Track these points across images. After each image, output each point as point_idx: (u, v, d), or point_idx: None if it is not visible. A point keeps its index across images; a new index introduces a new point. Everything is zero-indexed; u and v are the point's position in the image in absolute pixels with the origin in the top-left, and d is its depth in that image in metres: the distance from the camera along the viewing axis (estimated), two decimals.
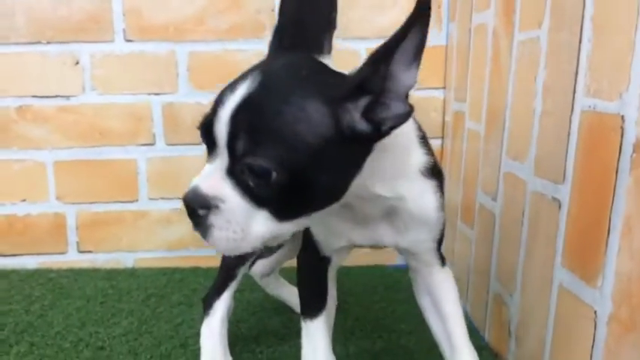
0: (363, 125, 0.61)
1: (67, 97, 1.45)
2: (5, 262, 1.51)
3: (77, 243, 1.52)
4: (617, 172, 0.67)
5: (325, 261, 0.85)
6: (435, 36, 1.46)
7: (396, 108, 0.61)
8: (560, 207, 0.82)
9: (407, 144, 0.72)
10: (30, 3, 1.40)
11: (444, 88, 1.48)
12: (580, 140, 0.77)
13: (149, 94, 1.46)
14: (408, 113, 0.61)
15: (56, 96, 1.45)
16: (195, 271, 1.48)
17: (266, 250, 1.19)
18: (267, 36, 1.41)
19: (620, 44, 0.68)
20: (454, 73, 1.40)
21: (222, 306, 1.00)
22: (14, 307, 1.24)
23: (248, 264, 1.00)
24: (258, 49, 1.44)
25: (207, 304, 1.01)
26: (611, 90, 0.69)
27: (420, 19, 0.56)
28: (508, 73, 1.03)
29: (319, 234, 0.82)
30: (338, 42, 1.39)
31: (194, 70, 1.46)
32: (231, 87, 0.63)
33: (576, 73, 0.78)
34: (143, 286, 1.38)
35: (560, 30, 0.83)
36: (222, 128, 0.61)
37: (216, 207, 0.61)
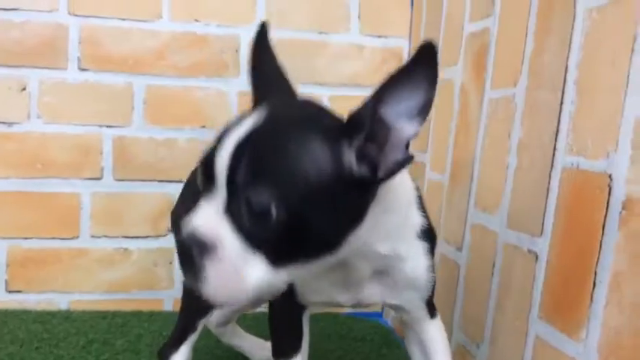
0: (361, 168, 0.60)
1: (10, 123, 1.35)
2: None
3: (6, 281, 1.40)
4: (603, 228, 0.70)
5: (301, 308, 0.83)
6: None
7: (393, 154, 0.60)
8: (537, 259, 0.84)
9: (408, 204, 0.73)
10: None
11: None
12: (561, 196, 0.80)
13: (100, 125, 1.39)
14: (406, 160, 0.60)
15: None
16: (137, 315, 1.39)
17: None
18: (230, 75, 1.42)
19: (606, 106, 0.72)
20: None
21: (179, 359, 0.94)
22: None
23: (209, 316, 0.94)
24: (218, 87, 1.42)
25: (164, 357, 0.94)
26: (596, 149, 0.73)
27: (424, 66, 0.56)
28: (477, 128, 1.06)
29: (301, 286, 0.79)
30: (303, 87, 1.41)
31: (150, 104, 1.41)
32: (236, 122, 0.62)
33: (557, 131, 0.82)
34: (82, 330, 1.27)
35: (539, 90, 0.87)
36: (223, 161, 0.59)
37: (213, 249, 0.58)
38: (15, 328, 1.26)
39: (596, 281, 0.71)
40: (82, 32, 1.35)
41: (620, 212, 0.68)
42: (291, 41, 1.43)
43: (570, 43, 0.80)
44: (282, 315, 0.84)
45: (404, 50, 1.48)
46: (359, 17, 1.45)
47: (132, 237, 1.44)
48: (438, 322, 0.83)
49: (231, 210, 0.59)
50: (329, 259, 0.63)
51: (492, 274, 0.97)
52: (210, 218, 0.60)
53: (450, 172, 1.18)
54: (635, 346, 0.64)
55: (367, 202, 0.63)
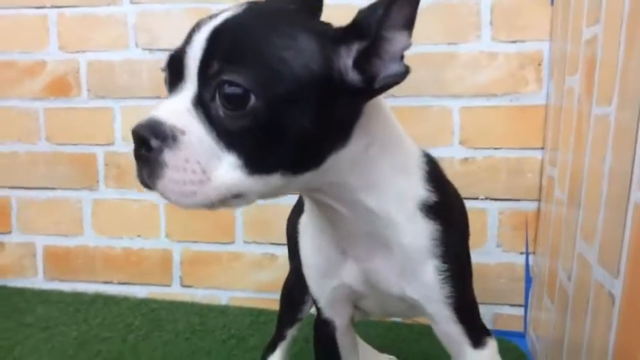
0: (354, 75, 0.57)
1: None
2: (120, 289, 1.69)
3: (180, 277, 1.66)
4: None
5: (330, 326, 0.79)
6: (535, 94, 1.39)
7: (392, 66, 0.57)
8: (613, 304, 0.74)
9: (404, 161, 0.67)
10: (153, 63, 1.58)
11: (543, 148, 1.40)
12: (633, 235, 0.70)
13: None
14: (404, 73, 0.58)
15: None
16: None
17: None
18: None
19: None
20: (550, 135, 1.32)
21: None
22: (114, 334, 1.38)
23: (297, 325, 1.02)
24: None
25: (263, 357, 1.06)
26: None
27: None
28: (586, 146, 0.96)
29: (310, 275, 0.76)
30: (433, 100, 1.39)
31: None
32: (212, 15, 0.56)
33: (633, 159, 0.71)
34: (228, 325, 1.45)
35: (624, 110, 0.77)
36: (195, 52, 0.53)
37: (174, 139, 0.51)
38: (178, 319, 1.50)
39: None
40: None
41: None
42: (418, 55, 1.42)
43: None
44: (316, 341, 0.85)
45: (544, 54, 1.36)
46: (491, 23, 1.38)
47: (278, 244, 1.59)
48: (484, 355, 0.71)
49: (203, 102, 0.53)
50: (307, 181, 0.59)
51: (586, 313, 0.87)
52: (173, 109, 0.53)
53: (568, 191, 1.08)
54: None
55: (352, 119, 0.59)
